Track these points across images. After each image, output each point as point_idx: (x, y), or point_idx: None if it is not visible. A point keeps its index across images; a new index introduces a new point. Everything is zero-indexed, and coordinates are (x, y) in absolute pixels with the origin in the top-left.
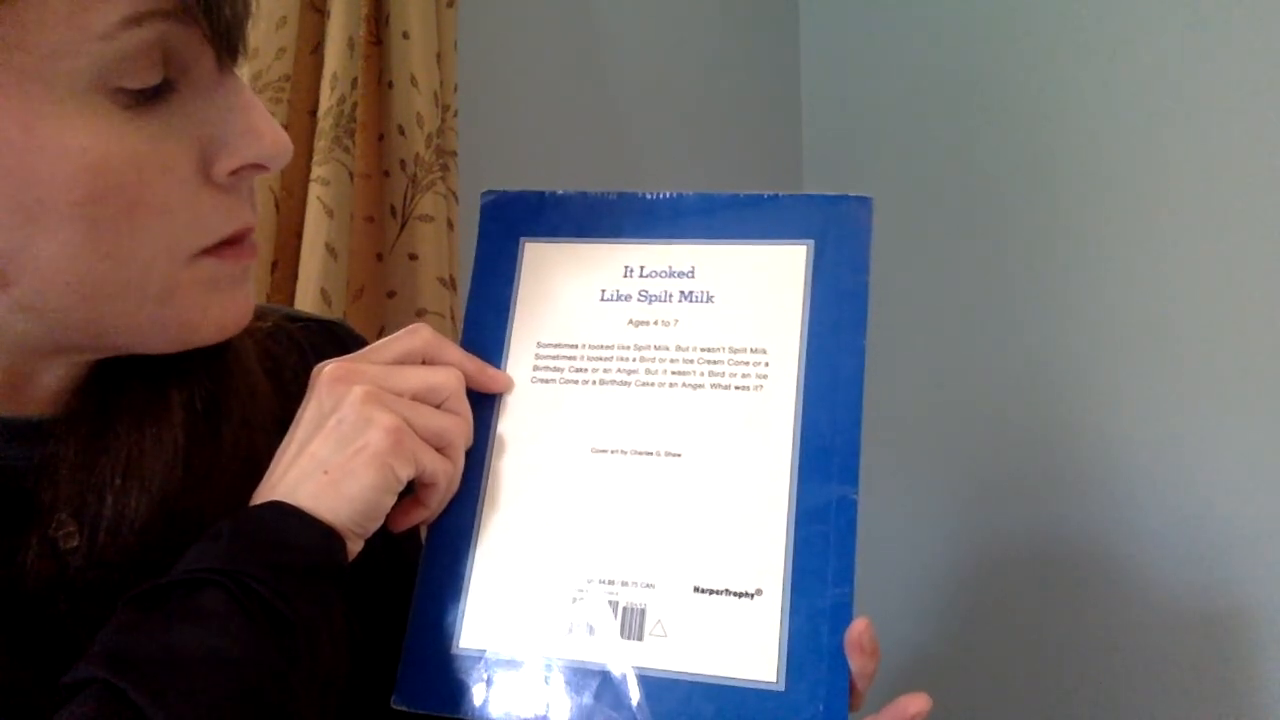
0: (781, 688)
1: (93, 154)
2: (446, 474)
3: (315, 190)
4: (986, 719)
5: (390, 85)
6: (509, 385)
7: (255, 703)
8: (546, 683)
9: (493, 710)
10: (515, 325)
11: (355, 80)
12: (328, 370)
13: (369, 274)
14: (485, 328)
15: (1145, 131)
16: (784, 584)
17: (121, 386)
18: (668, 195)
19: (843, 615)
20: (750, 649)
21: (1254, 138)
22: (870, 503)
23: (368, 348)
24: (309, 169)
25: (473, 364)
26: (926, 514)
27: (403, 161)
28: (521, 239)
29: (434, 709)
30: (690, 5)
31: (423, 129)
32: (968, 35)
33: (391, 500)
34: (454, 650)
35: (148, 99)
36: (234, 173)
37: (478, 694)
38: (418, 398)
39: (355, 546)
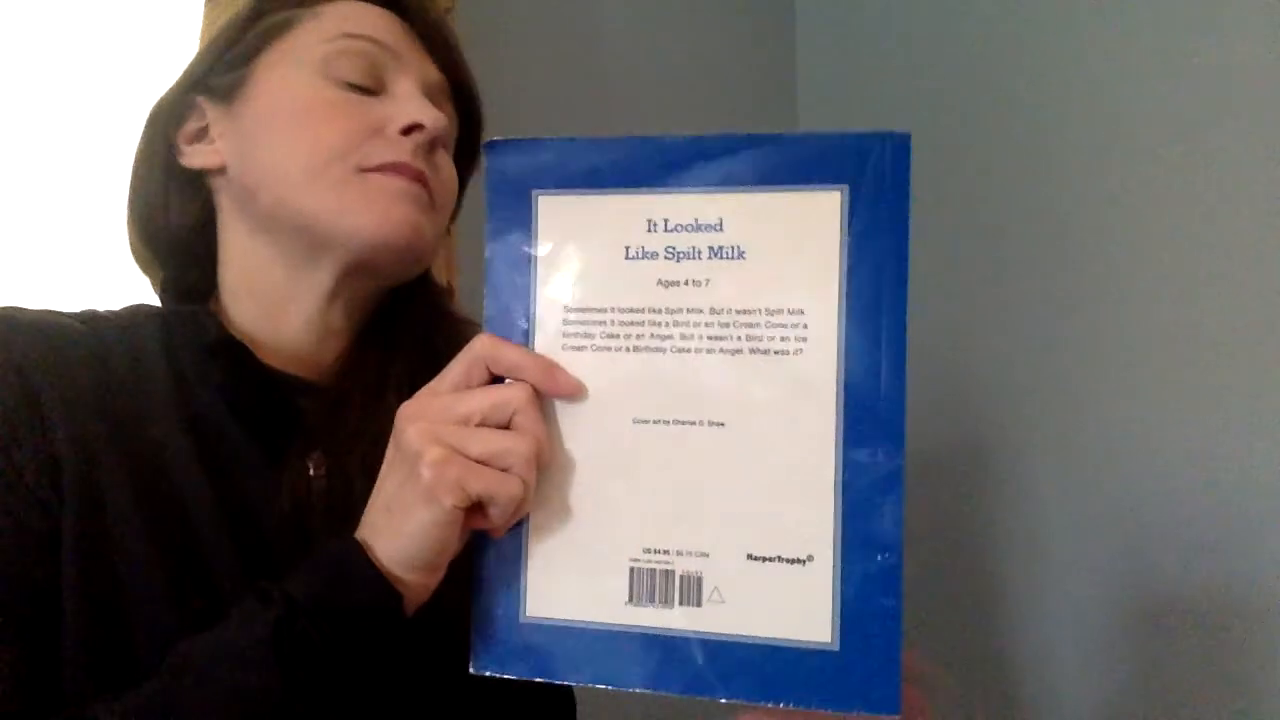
0: (836, 648)
1: (302, 93)
2: (508, 494)
3: None
4: None
5: None
6: (579, 390)
7: None
8: (614, 649)
9: (567, 676)
10: (539, 290)
11: None
12: (402, 406)
13: None
14: (509, 294)
15: (1145, 138)
16: (834, 549)
17: (362, 372)
18: (686, 138)
19: (893, 578)
20: (805, 613)
21: (1251, 142)
22: None
23: (438, 376)
24: None
25: (538, 369)
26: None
27: None
28: (533, 192)
29: (512, 674)
30: (688, 9)
31: None
32: (965, 39)
33: (452, 531)
34: (521, 620)
35: (357, 93)
36: (403, 132)
37: (549, 660)
38: (485, 420)
39: (429, 580)
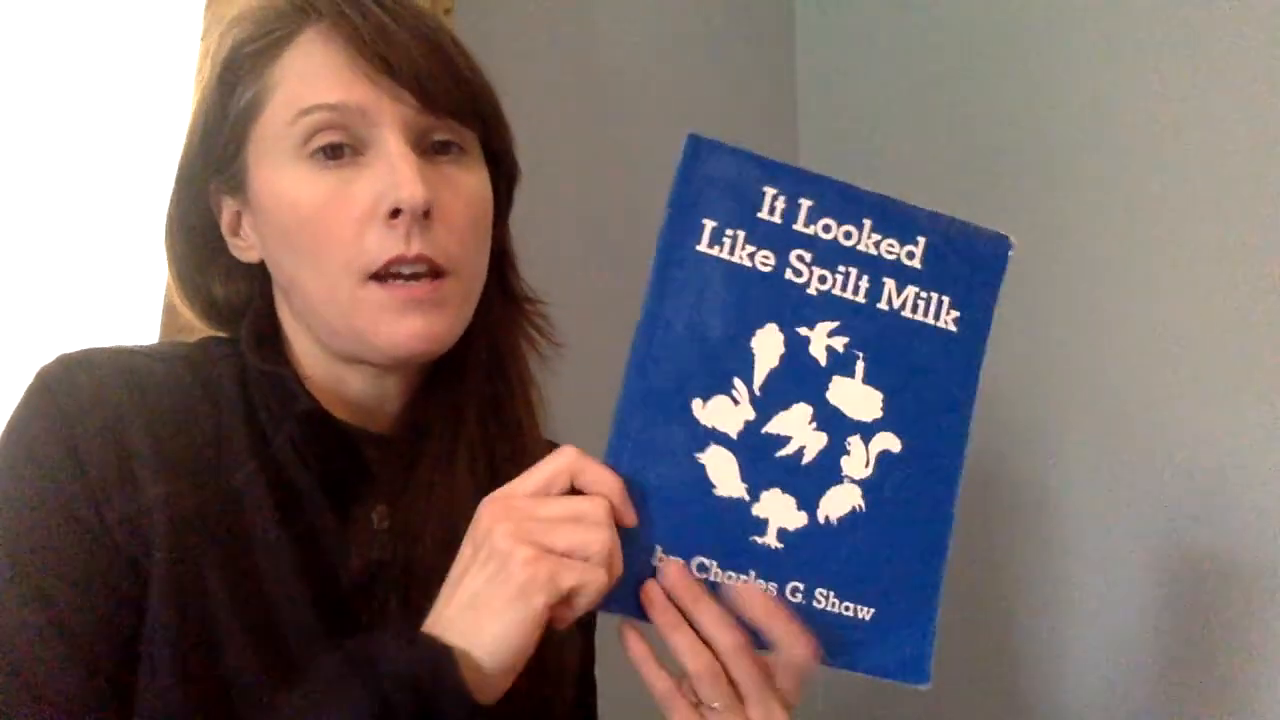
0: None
1: (291, 196)
2: (596, 584)
3: None
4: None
5: None
6: (634, 523)
7: None
8: None
9: None
10: None
11: None
12: (484, 504)
13: None
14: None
15: (1142, 142)
16: None
17: (431, 428)
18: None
19: None
20: None
21: (1249, 145)
22: None
23: (519, 477)
24: None
25: (616, 492)
26: None
27: None
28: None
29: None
30: (687, 14)
31: None
32: (965, 39)
33: (537, 630)
34: None
35: (338, 159)
36: (390, 215)
37: None
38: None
39: (505, 682)
